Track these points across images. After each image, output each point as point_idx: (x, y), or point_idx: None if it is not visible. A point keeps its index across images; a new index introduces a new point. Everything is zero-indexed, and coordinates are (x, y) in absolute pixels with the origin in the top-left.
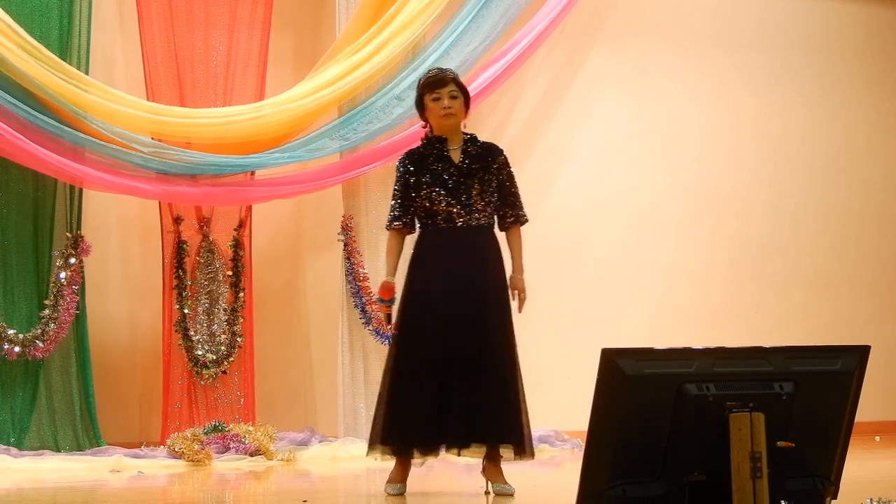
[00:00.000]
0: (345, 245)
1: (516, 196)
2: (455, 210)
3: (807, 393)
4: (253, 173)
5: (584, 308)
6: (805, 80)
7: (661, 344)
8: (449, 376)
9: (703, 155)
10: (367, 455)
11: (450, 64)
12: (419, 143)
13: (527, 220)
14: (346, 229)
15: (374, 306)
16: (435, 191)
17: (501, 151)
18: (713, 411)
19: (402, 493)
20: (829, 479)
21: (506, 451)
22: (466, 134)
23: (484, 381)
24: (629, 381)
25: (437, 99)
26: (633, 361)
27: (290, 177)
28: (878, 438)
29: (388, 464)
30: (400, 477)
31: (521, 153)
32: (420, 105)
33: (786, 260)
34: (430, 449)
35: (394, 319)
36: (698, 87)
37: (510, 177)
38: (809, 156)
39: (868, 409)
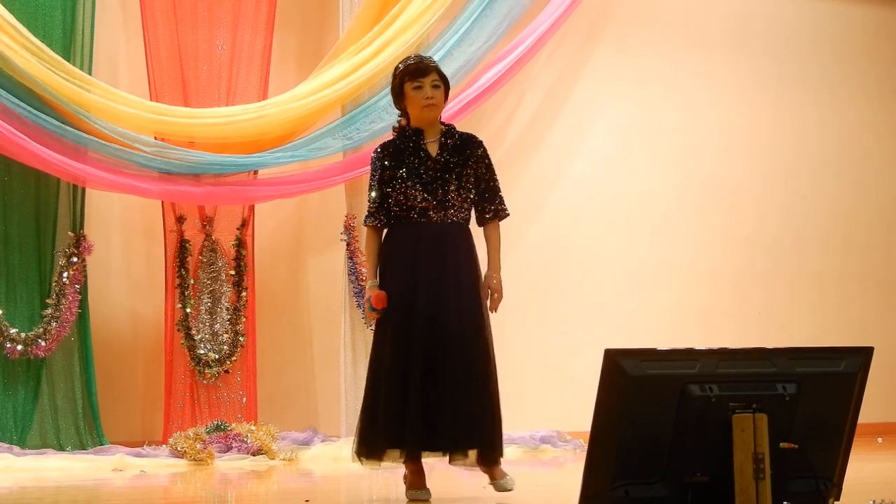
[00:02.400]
0: (347, 244)
1: (496, 190)
2: (431, 206)
3: (810, 394)
4: (256, 173)
5: (589, 307)
6: (815, 78)
7: (668, 343)
8: (420, 381)
9: (712, 153)
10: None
11: (453, 63)
12: (393, 134)
13: (507, 215)
14: (349, 229)
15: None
16: (410, 185)
17: (480, 143)
18: (716, 412)
19: (427, 500)
20: (832, 480)
21: (472, 455)
22: (444, 125)
23: (456, 387)
24: (632, 382)
25: (419, 87)
26: (636, 362)
27: (293, 176)
28: (881, 440)
29: (386, 463)
30: (419, 482)
31: (525, 152)
32: (398, 94)
33: (796, 258)
34: (406, 452)
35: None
36: (707, 86)
37: (489, 170)
38: (820, 154)
39: (871, 410)
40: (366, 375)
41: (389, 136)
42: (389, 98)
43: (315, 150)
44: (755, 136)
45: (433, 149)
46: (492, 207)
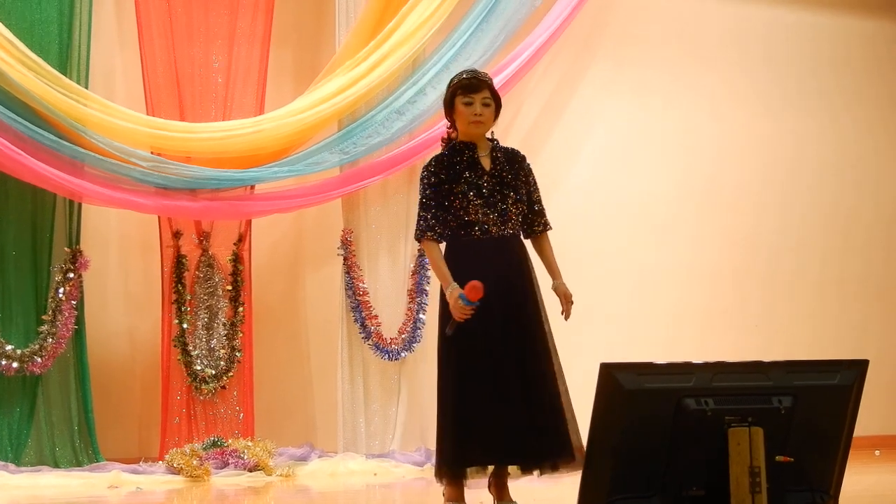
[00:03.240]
0: (344, 259)
1: (541, 203)
2: (491, 219)
3: (805, 407)
4: (252, 187)
5: (586, 313)
6: (812, 86)
7: (666, 349)
8: (507, 393)
9: (710, 160)
10: (437, 480)
11: (449, 78)
12: (441, 146)
13: (551, 228)
14: (346, 244)
15: (373, 321)
16: (470, 199)
17: (524, 157)
18: (712, 426)
19: None
20: (829, 493)
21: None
22: (491, 140)
23: (539, 400)
24: (628, 396)
25: (469, 104)
26: (632, 375)
27: (290, 191)
28: (877, 453)
29: (384, 479)
30: (458, 495)
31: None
32: (449, 105)
33: (795, 264)
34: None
35: (446, 333)
36: (704, 95)
37: (535, 183)
38: (818, 159)
39: (868, 422)
40: (439, 390)
41: (386, 150)
42: (386, 112)
43: (312, 165)
44: (753, 144)
45: (486, 163)
46: (542, 220)
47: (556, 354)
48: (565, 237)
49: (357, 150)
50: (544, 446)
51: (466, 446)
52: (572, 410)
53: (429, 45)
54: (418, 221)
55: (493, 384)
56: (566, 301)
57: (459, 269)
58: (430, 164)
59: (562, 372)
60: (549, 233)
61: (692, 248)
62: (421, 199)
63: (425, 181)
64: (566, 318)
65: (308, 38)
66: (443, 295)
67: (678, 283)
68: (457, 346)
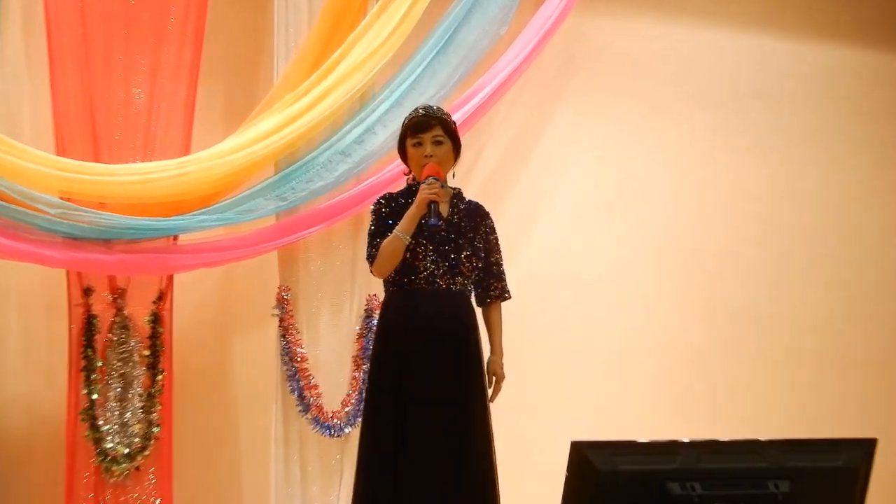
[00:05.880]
0: (280, 321)
1: (501, 267)
2: (440, 270)
3: (805, 492)
4: (176, 238)
5: (555, 392)
6: (812, 132)
7: (645, 433)
8: (424, 473)
9: (697, 218)
10: None
11: (402, 116)
12: (406, 185)
13: (510, 297)
14: (283, 302)
15: (313, 391)
16: (421, 245)
17: (489, 214)
18: None
19: None
20: None
21: None
22: (452, 188)
23: (469, 488)
24: (603, 478)
25: (418, 144)
26: (607, 455)
27: (219, 242)
28: None
29: None
30: None
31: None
32: (401, 148)
33: (791, 334)
34: None
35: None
36: (693, 139)
37: (497, 244)
38: (819, 215)
39: None
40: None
41: (329, 196)
42: (329, 154)
43: (244, 213)
44: (746, 201)
45: (443, 209)
46: (499, 285)
47: (493, 442)
48: (529, 302)
49: (296, 195)
50: None
51: None
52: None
53: (378, 79)
54: (367, 252)
55: (413, 464)
56: (497, 380)
57: (395, 317)
58: (382, 197)
59: (495, 461)
60: (506, 301)
61: (675, 316)
62: (370, 230)
63: (374, 216)
64: (492, 399)
65: (242, 70)
66: (373, 357)
67: (659, 353)
68: (377, 413)
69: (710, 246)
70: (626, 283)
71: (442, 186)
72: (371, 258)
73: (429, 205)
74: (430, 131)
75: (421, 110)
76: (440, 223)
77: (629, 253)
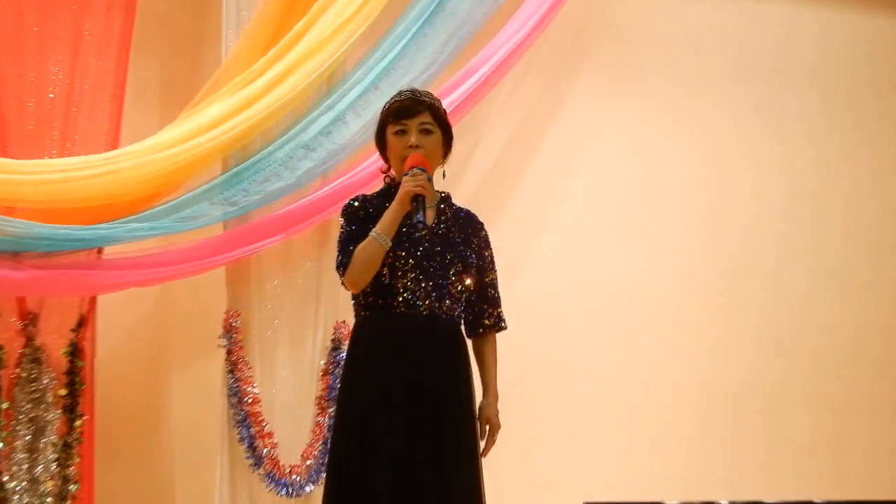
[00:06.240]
0: (228, 353)
1: (496, 289)
2: (423, 290)
3: None
4: (100, 251)
5: (559, 442)
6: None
7: (676, 493)
8: None
9: (739, 227)
10: None
11: (379, 101)
12: (384, 184)
13: (506, 327)
14: (231, 331)
15: (266, 440)
16: (400, 259)
17: (483, 225)
18: None
19: None
20: None
21: None
22: (440, 192)
23: None
24: None
25: (402, 133)
26: None
27: (153, 256)
28: None
29: None
30: None
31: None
32: (380, 139)
33: (847, 378)
34: None
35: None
36: (738, 125)
37: (492, 262)
38: (883, 227)
39: None
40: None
41: (290, 201)
42: (290, 148)
43: (185, 221)
44: (799, 196)
45: (429, 215)
46: (494, 312)
47: (483, 490)
48: (531, 333)
49: (249, 199)
50: None
51: None
52: None
53: (351, 57)
54: (337, 261)
55: None
56: (491, 430)
57: (367, 350)
58: (353, 199)
59: None
60: (501, 333)
61: (712, 352)
62: (342, 237)
63: (347, 216)
64: (484, 453)
65: (183, 45)
66: (340, 398)
67: (692, 396)
68: (344, 469)
69: (756, 263)
70: (652, 311)
71: (428, 180)
72: (342, 266)
73: (414, 199)
74: (416, 117)
75: (406, 92)
76: (423, 221)
77: (657, 273)
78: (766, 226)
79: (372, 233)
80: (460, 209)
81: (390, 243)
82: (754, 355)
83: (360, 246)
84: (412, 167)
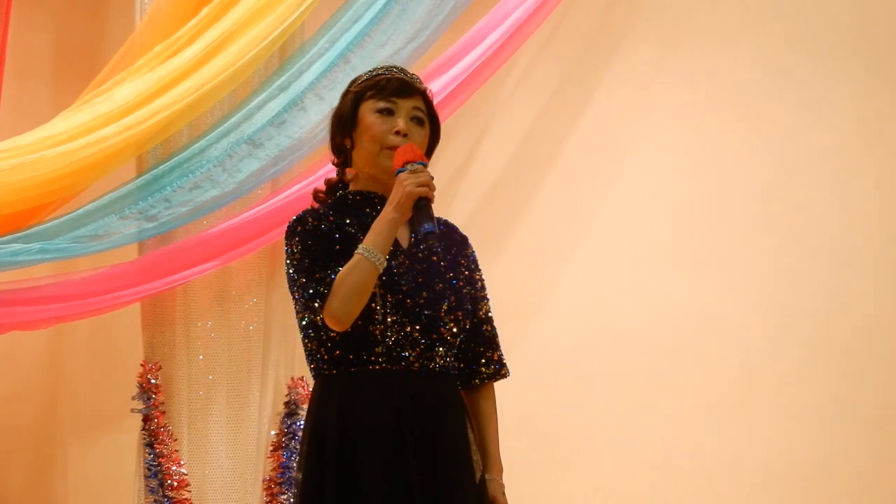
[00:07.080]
0: (145, 420)
1: (493, 324)
2: (410, 337)
3: None
4: None
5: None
6: None
7: None
8: None
9: (817, 249)
10: None
11: (346, 79)
12: (320, 196)
13: (508, 374)
14: (149, 390)
15: None
16: (375, 297)
17: (467, 239)
18: None
19: None
20: None
21: None
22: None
23: None
24: None
25: (388, 112)
26: None
27: (43, 289)
28: None
29: None
30: None
31: (481, 245)
32: (347, 122)
33: None
34: None
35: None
36: (809, 112)
37: (483, 288)
38: None
39: None
40: None
41: (228, 216)
42: (229, 143)
43: (86, 241)
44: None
45: (403, 235)
46: (494, 356)
47: None
48: (551, 387)
49: (173, 212)
50: None
51: None
52: None
53: (311, 20)
54: (304, 293)
55: None
56: None
57: (334, 420)
58: (305, 213)
59: None
60: (500, 382)
61: (787, 416)
62: (297, 257)
63: (302, 234)
64: None
65: (81, 6)
66: (303, 459)
67: (763, 472)
68: None
69: (855, 294)
70: (715, 360)
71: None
72: (319, 298)
73: (418, 203)
74: (410, 97)
75: (395, 69)
76: (437, 231)
77: (724, 310)
78: (849, 249)
79: (359, 249)
80: (438, 220)
81: (385, 262)
82: (845, 417)
83: (344, 270)
84: (408, 161)
